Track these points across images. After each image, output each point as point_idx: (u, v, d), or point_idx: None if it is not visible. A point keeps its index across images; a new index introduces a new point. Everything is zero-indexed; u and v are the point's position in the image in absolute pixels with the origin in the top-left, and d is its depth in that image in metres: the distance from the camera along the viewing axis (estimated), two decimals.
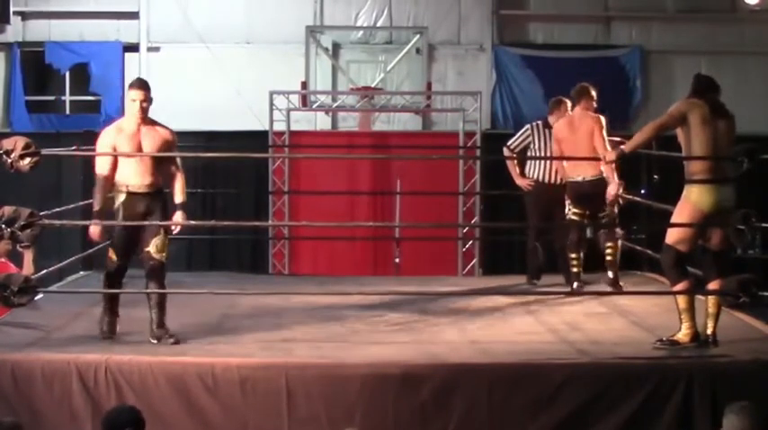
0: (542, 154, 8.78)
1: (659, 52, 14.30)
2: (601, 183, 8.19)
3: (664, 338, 6.43)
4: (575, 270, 8.37)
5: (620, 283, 8.33)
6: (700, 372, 5.89)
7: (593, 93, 8.40)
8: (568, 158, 8.44)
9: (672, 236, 6.41)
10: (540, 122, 8.92)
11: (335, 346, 6.51)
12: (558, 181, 8.72)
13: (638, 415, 5.83)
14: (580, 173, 8.28)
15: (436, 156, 12.96)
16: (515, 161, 8.92)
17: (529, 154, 8.89)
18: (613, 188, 8.05)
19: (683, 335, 6.40)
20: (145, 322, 6.91)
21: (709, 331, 6.41)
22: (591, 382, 5.89)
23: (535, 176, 8.83)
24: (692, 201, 6.32)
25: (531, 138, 8.85)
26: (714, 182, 6.29)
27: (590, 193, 8.26)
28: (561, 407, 5.82)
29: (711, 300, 6.41)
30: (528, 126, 9.00)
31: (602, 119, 8.28)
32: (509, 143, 9.01)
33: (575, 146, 8.24)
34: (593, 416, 5.84)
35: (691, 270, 6.56)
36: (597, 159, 7.97)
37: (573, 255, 8.39)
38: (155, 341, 6.53)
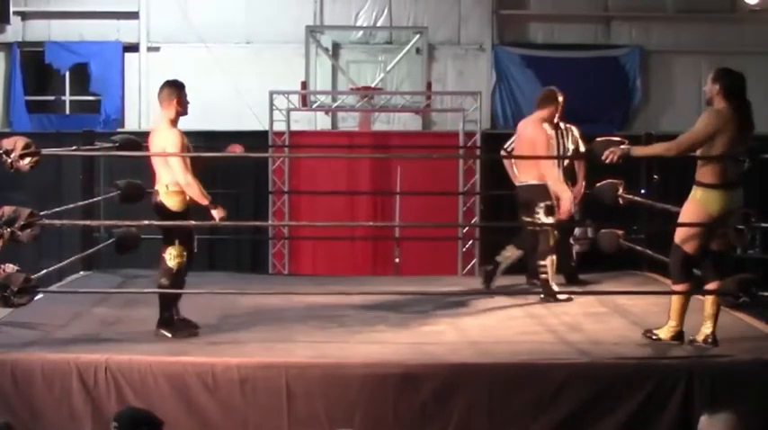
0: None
1: (659, 52, 14.31)
2: (533, 189, 8.19)
3: (654, 332, 6.46)
4: (543, 276, 8.16)
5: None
6: (700, 372, 5.89)
7: (560, 99, 8.36)
8: (563, 157, 8.55)
9: (679, 237, 6.41)
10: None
11: (335, 346, 6.51)
12: None
13: (638, 415, 5.84)
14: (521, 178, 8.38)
15: (436, 155, 12.95)
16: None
17: None
18: (566, 202, 8.10)
19: (667, 331, 6.45)
20: (145, 322, 6.92)
21: (708, 331, 6.41)
22: (591, 382, 5.90)
23: None
24: (701, 204, 6.29)
25: None
26: (723, 187, 6.26)
27: (526, 199, 8.28)
28: (561, 407, 5.83)
29: (710, 300, 6.42)
30: None
31: (546, 135, 8.22)
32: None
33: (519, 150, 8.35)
34: (594, 416, 5.84)
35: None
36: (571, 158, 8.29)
37: (542, 263, 8.20)
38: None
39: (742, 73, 6.35)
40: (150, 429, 4.49)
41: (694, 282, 6.47)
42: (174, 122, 6.73)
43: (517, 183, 8.45)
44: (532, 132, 8.23)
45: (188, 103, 6.79)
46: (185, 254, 6.72)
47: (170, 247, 6.69)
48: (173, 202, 6.70)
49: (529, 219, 8.28)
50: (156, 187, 6.78)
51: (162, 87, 6.80)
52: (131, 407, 5.14)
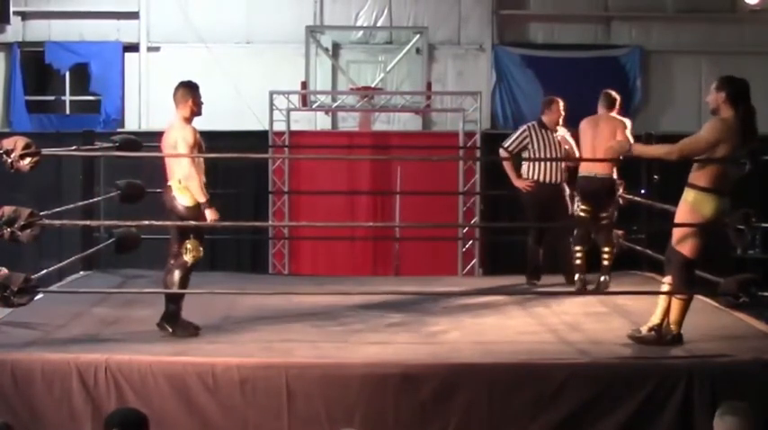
0: (541, 154, 8.79)
1: (659, 52, 14.31)
2: (609, 182, 8.42)
3: (642, 330, 6.48)
4: (578, 262, 8.47)
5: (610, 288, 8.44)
6: (700, 372, 5.89)
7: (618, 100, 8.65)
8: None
9: (676, 240, 6.40)
10: (535, 123, 8.93)
11: (335, 346, 6.51)
12: (557, 180, 8.75)
13: (638, 415, 5.84)
14: (591, 169, 8.42)
15: (436, 156, 12.95)
16: (512, 162, 8.93)
17: (526, 155, 8.89)
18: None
19: (646, 327, 6.48)
20: (145, 322, 6.92)
21: (656, 321, 6.47)
22: (591, 382, 5.89)
23: (534, 177, 8.83)
24: (693, 206, 6.28)
25: (528, 140, 8.85)
26: (716, 192, 6.26)
27: (598, 190, 8.41)
28: (561, 407, 5.83)
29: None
30: (524, 127, 8.99)
31: (628, 122, 8.50)
32: (505, 145, 8.99)
33: (593, 144, 8.39)
34: (594, 416, 5.84)
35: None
36: (599, 160, 8.19)
37: (578, 248, 8.50)
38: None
39: (745, 79, 6.34)
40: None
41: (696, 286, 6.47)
42: (188, 121, 6.84)
43: (587, 174, 8.48)
44: (616, 121, 8.43)
45: (202, 103, 6.91)
46: (201, 248, 6.76)
47: (186, 242, 6.72)
48: (186, 197, 6.73)
49: (585, 207, 8.48)
50: (169, 183, 6.81)
51: (177, 88, 6.88)
52: (121, 409, 5.13)
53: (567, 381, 5.86)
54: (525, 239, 9.09)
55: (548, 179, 8.79)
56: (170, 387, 5.82)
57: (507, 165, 8.99)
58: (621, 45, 14.25)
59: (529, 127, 8.93)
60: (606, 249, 8.51)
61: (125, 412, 4.81)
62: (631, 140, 8.12)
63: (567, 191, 8.82)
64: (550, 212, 8.74)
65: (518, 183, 8.91)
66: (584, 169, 8.48)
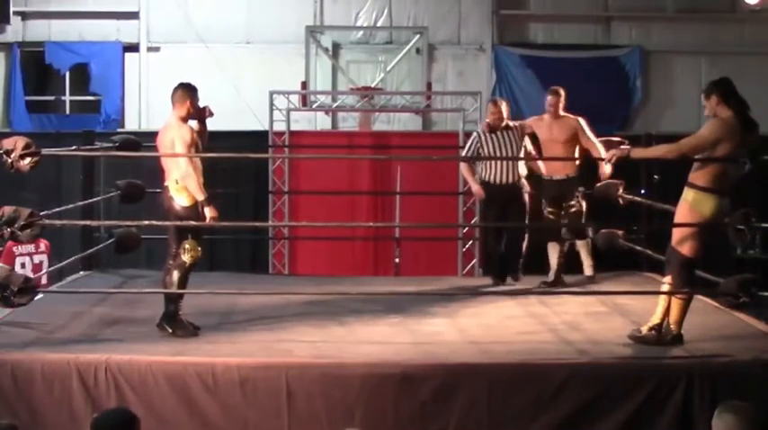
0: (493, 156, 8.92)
1: (659, 52, 14.32)
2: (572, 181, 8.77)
3: (642, 330, 6.49)
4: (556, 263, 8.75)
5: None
6: (700, 372, 5.90)
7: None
8: (545, 159, 8.79)
9: (676, 240, 6.41)
10: (483, 129, 8.96)
11: (335, 346, 6.51)
12: (510, 180, 8.76)
13: (638, 415, 5.84)
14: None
15: (436, 156, 12.95)
16: (471, 170, 9.12)
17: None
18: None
19: (647, 327, 6.49)
20: (145, 322, 6.92)
21: (656, 321, 6.48)
22: (591, 382, 5.90)
23: (487, 178, 8.85)
24: (693, 205, 6.28)
25: (479, 145, 8.88)
26: (716, 192, 6.26)
27: (562, 191, 8.76)
28: (561, 407, 5.83)
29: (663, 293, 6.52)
30: (474, 134, 9.06)
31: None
32: (463, 154, 9.24)
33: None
34: (594, 416, 5.85)
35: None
36: (572, 159, 8.62)
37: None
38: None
39: (727, 77, 6.40)
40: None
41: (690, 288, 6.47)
42: (184, 120, 6.85)
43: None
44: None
45: (199, 106, 6.93)
46: (199, 249, 6.75)
47: (185, 242, 6.71)
48: (183, 197, 6.73)
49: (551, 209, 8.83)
50: (166, 183, 6.80)
51: (176, 88, 6.89)
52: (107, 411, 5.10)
53: (567, 381, 5.86)
54: (484, 240, 9.21)
55: (498, 180, 8.80)
56: (170, 387, 5.82)
57: (466, 173, 9.19)
58: (621, 45, 14.26)
59: (478, 133, 8.99)
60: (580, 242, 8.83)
61: (115, 413, 4.75)
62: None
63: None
64: (507, 212, 8.74)
65: (475, 189, 9.04)
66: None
